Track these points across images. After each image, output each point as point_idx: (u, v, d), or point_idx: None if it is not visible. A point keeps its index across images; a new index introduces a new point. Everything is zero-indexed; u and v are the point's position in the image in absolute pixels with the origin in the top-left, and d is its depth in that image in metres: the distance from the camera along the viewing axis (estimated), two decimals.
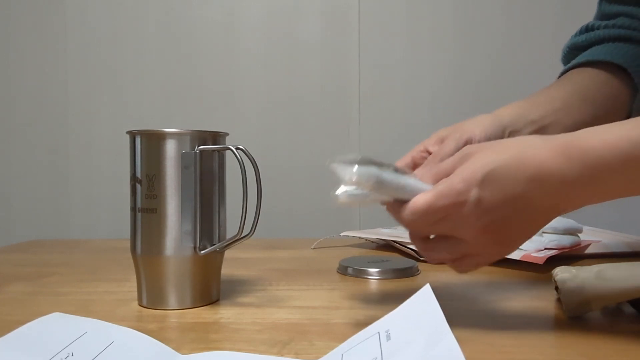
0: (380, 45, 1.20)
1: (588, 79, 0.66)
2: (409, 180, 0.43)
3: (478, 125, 0.55)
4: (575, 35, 0.75)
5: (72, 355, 0.35)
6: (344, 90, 1.20)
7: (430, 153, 0.55)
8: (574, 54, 0.73)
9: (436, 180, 0.43)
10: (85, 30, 1.20)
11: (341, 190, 0.42)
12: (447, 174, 0.42)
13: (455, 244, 0.43)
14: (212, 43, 1.20)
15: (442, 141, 0.55)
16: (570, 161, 0.40)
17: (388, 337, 0.33)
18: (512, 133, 0.56)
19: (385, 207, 0.45)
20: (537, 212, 0.42)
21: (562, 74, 0.71)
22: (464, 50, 1.19)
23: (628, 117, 0.68)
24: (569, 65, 0.70)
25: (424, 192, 0.42)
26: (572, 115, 0.60)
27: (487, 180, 0.40)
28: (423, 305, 0.34)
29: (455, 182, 0.41)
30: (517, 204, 0.41)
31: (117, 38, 1.20)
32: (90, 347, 0.37)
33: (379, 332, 0.34)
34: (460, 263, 0.45)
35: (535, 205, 0.41)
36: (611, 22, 0.71)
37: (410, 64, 1.20)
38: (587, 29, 0.73)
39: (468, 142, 0.53)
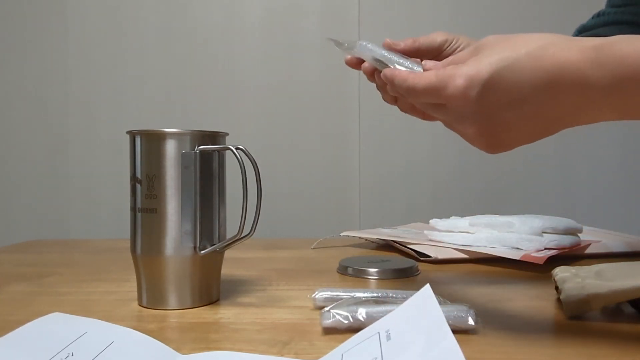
0: (380, 45, 1.20)
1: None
2: (399, 59, 0.47)
3: (467, 38, 0.55)
4: (587, 20, 0.79)
5: (72, 355, 0.35)
6: (344, 90, 1.20)
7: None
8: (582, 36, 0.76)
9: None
10: (86, 31, 1.20)
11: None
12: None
13: (442, 110, 0.42)
14: (212, 43, 1.20)
15: (426, 35, 0.55)
16: (600, 68, 0.35)
17: (388, 337, 0.33)
18: None
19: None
20: (543, 121, 0.39)
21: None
22: None
23: None
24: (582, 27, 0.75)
25: (429, 72, 0.41)
26: None
27: (493, 79, 0.37)
28: (423, 306, 0.34)
29: (458, 74, 0.39)
30: (523, 111, 0.38)
31: (117, 38, 1.20)
32: (90, 347, 0.37)
33: (379, 332, 0.34)
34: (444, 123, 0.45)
35: (543, 113, 0.38)
36: (620, 9, 0.74)
37: None
38: (597, 15, 0.76)
39: (447, 41, 0.53)
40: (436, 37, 0.53)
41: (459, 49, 0.53)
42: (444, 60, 0.45)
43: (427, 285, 0.35)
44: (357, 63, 0.54)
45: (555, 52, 0.37)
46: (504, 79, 0.37)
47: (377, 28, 1.20)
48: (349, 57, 0.54)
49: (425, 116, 0.52)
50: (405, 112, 0.53)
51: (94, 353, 0.36)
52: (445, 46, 0.53)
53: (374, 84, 0.56)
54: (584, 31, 0.78)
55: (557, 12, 1.19)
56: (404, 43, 0.53)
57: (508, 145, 0.41)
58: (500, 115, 0.38)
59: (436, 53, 0.53)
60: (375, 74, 0.52)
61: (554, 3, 1.19)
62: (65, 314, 0.42)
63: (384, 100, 0.54)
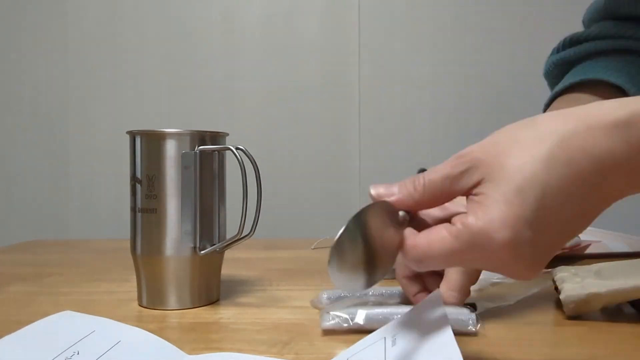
0: (380, 45, 1.20)
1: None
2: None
3: None
4: (559, 49, 0.68)
5: (78, 353, 0.35)
6: (344, 90, 1.20)
7: None
8: (563, 69, 0.68)
9: (433, 197, 0.34)
10: (86, 31, 1.20)
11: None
12: (444, 192, 0.33)
13: (489, 267, 0.33)
14: (212, 43, 1.20)
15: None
16: (630, 147, 0.30)
17: (394, 343, 0.33)
18: None
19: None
20: (590, 218, 0.34)
21: (554, 97, 0.65)
22: (464, 50, 1.19)
23: None
24: (561, 87, 0.64)
25: (443, 232, 0.31)
26: None
27: (538, 216, 0.30)
28: (431, 312, 0.34)
29: (492, 228, 0.30)
30: (574, 227, 0.33)
31: (117, 38, 1.20)
32: (97, 346, 0.37)
33: (385, 337, 0.34)
34: None
35: (591, 213, 0.33)
36: (605, 41, 0.64)
37: (410, 64, 1.20)
38: (574, 42, 0.66)
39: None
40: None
41: None
42: (433, 179, 0.34)
43: (437, 291, 0.35)
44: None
45: (583, 145, 0.30)
46: (549, 202, 0.30)
47: (377, 29, 1.20)
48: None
49: None
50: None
51: (100, 352, 0.36)
52: None
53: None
54: (565, 65, 0.67)
55: (558, 11, 1.19)
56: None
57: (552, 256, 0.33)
58: (552, 244, 0.32)
59: None
60: None
61: (554, 2, 1.19)
62: (75, 312, 0.42)
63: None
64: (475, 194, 0.32)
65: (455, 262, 0.32)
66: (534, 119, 0.33)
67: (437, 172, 0.33)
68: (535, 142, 0.31)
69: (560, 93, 0.65)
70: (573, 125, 0.31)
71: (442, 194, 0.33)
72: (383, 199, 0.35)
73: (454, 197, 0.33)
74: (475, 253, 0.31)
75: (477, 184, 0.32)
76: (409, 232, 0.33)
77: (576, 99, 0.60)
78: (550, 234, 0.31)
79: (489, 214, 0.30)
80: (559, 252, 0.34)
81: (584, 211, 0.32)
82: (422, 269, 0.33)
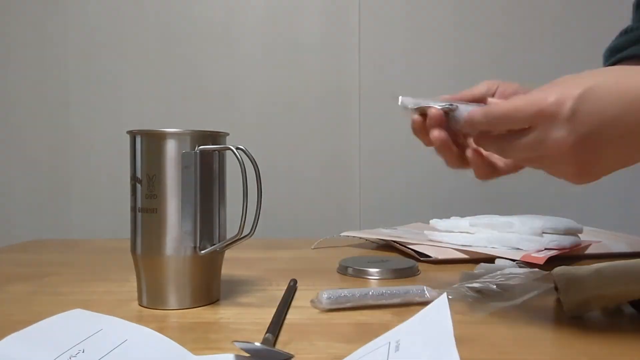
0: (380, 45, 1.20)
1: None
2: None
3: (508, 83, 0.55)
4: (615, 39, 0.74)
5: (83, 352, 0.36)
6: (344, 90, 1.20)
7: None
8: (615, 56, 0.73)
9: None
10: (86, 31, 1.20)
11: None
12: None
13: (537, 143, 0.39)
14: (212, 43, 1.20)
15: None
16: None
17: (397, 348, 0.33)
18: None
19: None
20: (635, 141, 0.38)
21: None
22: (464, 50, 1.19)
23: None
24: (612, 60, 0.70)
25: (512, 98, 0.41)
26: None
27: (585, 96, 0.37)
28: (435, 317, 0.34)
29: (548, 92, 0.38)
30: (616, 129, 0.37)
31: (117, 38, 1.20)
32: (102, 345, 0.37)
33: (389, 342, 0.34)
34: (533, 163, 0.43)
35: (635, 131, 0.37)
36: None
37: (410, 64, 1.20)
38: (625, 32, 0.72)
39: (489, 89, 0.53)
40: (479, 88, 0.54)
41: (503, 91, 0.53)
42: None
43: (444, 295, 0.35)
44: (423, 122, 0.53)
45: (634, 76, 0.38)
46: (596, 95, 0.37)
47: (378, 28, 1.20)
48: (415, 117, 0.54)
49: (499, 166, 0.51)
50: (478, 166, 0.50)
51: (105, 351, 0.36)
52: (489, 94, 0.53)
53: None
54: (615, 52, 0.73)
55: (558, 11, 1.19)
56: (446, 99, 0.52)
57: (599, 171, 0.40)
58: (594, 133, 0.37)
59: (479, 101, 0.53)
60: (434, 129, 0.50)
61: (554, 2, 1.19)
62: (85, 311, 0.43)
63: (451, 165, 0.52)
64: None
65: (512, 126, 0.40)
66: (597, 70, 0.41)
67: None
68: (598, 71, 0.40)
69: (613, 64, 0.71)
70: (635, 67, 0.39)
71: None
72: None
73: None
74: (531, 107, 0.38)
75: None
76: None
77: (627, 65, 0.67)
78: (589, 125, 0.37)
79: (549, 88, 0.39)
80: (607, 172, 0.40)
81: (634, 130, 0.37)
82: (485, 125, 0.42)
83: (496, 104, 0.41)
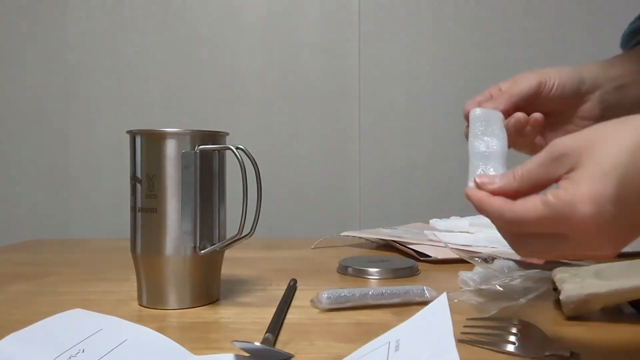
0: (380, 45, 1.20)
1: None
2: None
3: (555, 71, 0.54)
4: (633, 22, 0.72)
5: (83, 351, 0.36)
6: (344, 90, 1.20)
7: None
8: (636, 37, 0.71)
9: (530, 185, 0.37)
10: (86, 30, 1.20)
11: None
12: (540, 183, 0.37)
13: (558, 242, 0.36)
14: (212, 43, 1.20)
15: (515, 82, 0.54)
16: None
17: (397, 348, 0.33)
18: (591, 88, 0.55)
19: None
20: None
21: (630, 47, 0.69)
22: (464, 50, 1.19)
23: None
24: (634, 43, 0.68)
25: (532, 201, 0.35)
26: None
27: (620, 193, 0.33)
28: (435, 317, 0.34)
29: (579, 199, 0.33)
30: None
31: (117, 38, 1.20)
32: (102, 344, 0.37)
33: (389, 342, 0.34)
34: (554, 256, 0.39)
35: None
36: None
37: (410, 63, 1.20)
38: None
39: (541, 84, 0.52)
40: (530, 82, 0.52)
41: (554, 88, 0.53)
42: (521, 177, 0.38)
43: (444, 295, 0.35)
44: None
45: None
46: (631, 185, 0.33)
47: (377, 28, 1.20)
48: None
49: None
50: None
51: (105, 350, 0.36)
52: (541, 89, 0.53)
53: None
54: (636, 35, 0.70)
55: (558, 10, 1.19)
56: (502, 104, 0.51)
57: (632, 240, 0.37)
58: (633, 223, 0.34)
59: (533, 99, 0.53)
60: None
61: (554, 2, 1.19)
62: (85, 310, 0.43)
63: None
64: (567, 178, 0.35)
65: (544, 230, 0.35)
66: (627, 117, 0.36)
67: (533, 161, 0.37)
68: (624, 134, 0.34)
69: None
70: None
71: (538, 181, 0.37)
72: (486, 187, 0.39)
73: (549, 184, 0.37)
74: (562, 221, 0.34)
75: (570, 170, 0.35)
76: (506, 201, 0.37)
77: None
78: (631, 213, 0.34)
79: (577, 188, 0.33)
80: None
81: None
82: (515, 232, 0.37)
83: (520, 208, 0.36)
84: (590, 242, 0.35)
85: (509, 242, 0.39)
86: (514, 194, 0.38)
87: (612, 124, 0.36)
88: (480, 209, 0.38)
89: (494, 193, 0.38)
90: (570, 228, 0.34)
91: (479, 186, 0.40)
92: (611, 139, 0.35)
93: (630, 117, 0.36)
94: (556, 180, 0.36)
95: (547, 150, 0.37)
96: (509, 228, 0.38)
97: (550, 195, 0.34)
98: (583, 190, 0.33)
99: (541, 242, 0.37)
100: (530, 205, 0.35)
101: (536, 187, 0.37)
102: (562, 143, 0.36)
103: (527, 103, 0.53)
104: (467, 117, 0.51)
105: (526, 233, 0.37)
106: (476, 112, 0.49)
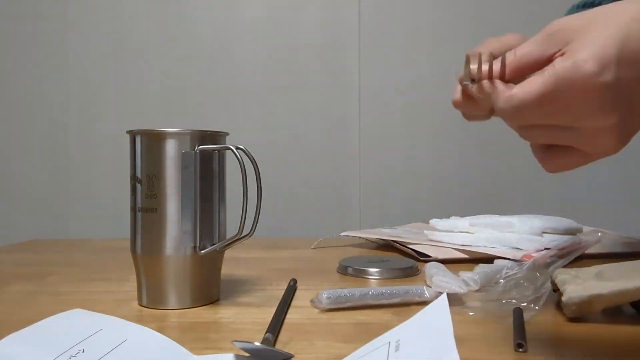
0: (380, 45, 1.20)
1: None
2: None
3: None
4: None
5: (83, 351, 0.36)
6: (344, 90, 1.20)
7: None
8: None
9: (528, 64, 0.36)
10: (86, 30, 1.20)
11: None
12: (537, 59, 0.35)
13: (564, 132, 0.35)
14: (212, 43, 1.20)
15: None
16: None
17: (397, 348, 0.33)
18: None
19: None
20: None
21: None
22: (464, 50, 1.19)
23: None
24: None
25: (535, 77, 0.33)
26: None
27: (623, 53, 0.32)
28: (435, 317, 0.34)
29: (580, 59, 0.32)
30: None
31: (117, 38, 1.20)
32: (102, 344, 0.37)
33: (389, 342, 0.34)
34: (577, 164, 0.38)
35: None
36: None
37: (410, 63, 1.20)
38: None
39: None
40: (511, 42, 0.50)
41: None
42: (519, 57, 0.37)
43: (444, 295, 0.35)
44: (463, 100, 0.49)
45: None
46: (632, 48, 0.32)
47: (377, 28, 1.20)
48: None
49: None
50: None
51: (105, 351, 0.36)
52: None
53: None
54: (586, 7, 0.70)
55: (559, 12, 1.19)
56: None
57: (635, 131, 0.35)
58: (634, 107, 0.33)
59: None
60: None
61: (556, 3, 1.19)
62: (85, 310, 0.43)
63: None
64: (564, 51, 0.34)
65: (549, 102, 0.33)
66: (609, 4, 0.35)
67: (530, 41, 0.36)
68: (616, 14, 0.34)
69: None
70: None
71: (535, 60, 0.36)
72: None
73: (546, 63, 0.35)
74: (565, 88, 0.32)
75: (567, 43, 0.34)
76: (504, 86, 0.36)
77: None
78: (632, 79, 0.33)
79: (578, 53, 0.32)
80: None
81: None
82: (518, 119, 0.35)
83: (523, 88, 0.34)
84: (594, 115, 0.33)
85: (518, 133, 0.37)
86: (513, 75, 0.37)
87: (597, 9, 0.35)
88: (496, 103, 0.36)
89: (494, 76, 0.37)
90: (574, 93, 0.32)
91: (475, 74, 0.38)
92: (604, 19, 0.34)
93: (610, 4, 0.35)
94: (552, 56, 0.35)
95: (543, 30, 0.36)
96: (514, 118, 0.35)
97: (549, 67, 0.33)
98: (584, 52, 0.32)
99: (546, 133, 0.35)
100: (530, 83, 0.33)
101: (533, 66, 0.36)
102: (558, 22, 0.35)
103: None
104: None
105: (531, 125, 0.35)
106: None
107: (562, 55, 0.34)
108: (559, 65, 0.33)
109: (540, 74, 0.33)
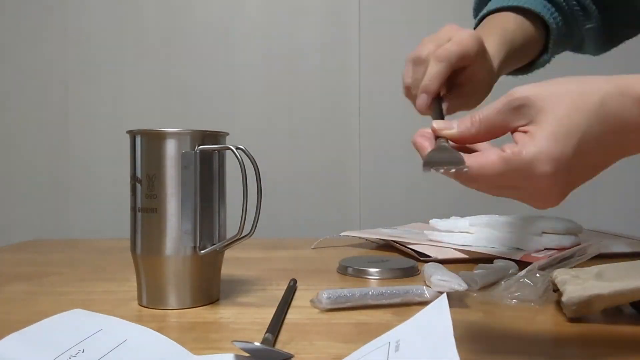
0: (380, 45, 1.20)
1: (511, 23, 0.65)
2: None
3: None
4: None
5: (83, 351, 0.36)
6: (344, 90, 1.20)
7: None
8: (486, 5, 0.74)
9: (487, 131, 0.38)
10: (86, 30, 1.20)
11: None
12: (498, 127, 0.38)
13: (510, 191, 0.38)
14: (212, 43, 1.20)
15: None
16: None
17: (397, 348, 0.33)
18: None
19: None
20: (608, 165, 0.38)
21: (480, 20, 0.71)
22: None
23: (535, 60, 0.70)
24: (485, 11, 0.70)
25: (492, 156, 0.36)
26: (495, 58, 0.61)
27: (577, 158, 0.35)
28: (435, 317, 0.34)
29: (540, 159, 0.35)
30: (597, 168, 0.37)
31: (117, 38, 1.20)
32: (102, 345, 0.37)
33: (389, 342, 0.34)
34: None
35: (610, 162, 0.38)
36: None
37: None
38: None
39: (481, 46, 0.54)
40: (472, 47, 0.54)
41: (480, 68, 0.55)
42: (487, 114, 0.38)
43: (444, 296, 0.35)
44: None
45: (617, 109, 0.36)
46: (584, 152, 0.35)
47: (377, 28, 1.20)
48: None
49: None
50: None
51: (105, 351, 0.36)
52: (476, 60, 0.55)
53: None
54: (481, 8, 0.74)
55: None
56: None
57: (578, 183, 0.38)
58: (578, 181, 0.37)
59: (468, 62, 0.55)
60: None
61: None
62: (85, 311, 0.43)
63: None
64: (525, 131, 0.36)
65: (500, 184, 0.37)
66: (587, 78, 0.38)
67: (492, 108, 0.38)
68: (582, 97, 0.36)
69: (487, 15, 0.70)
70: (612, 88, 0.36)
71: (495, 128, 0.38)
72: (443, 132, 0.40)
73: (506, 132, 0.38)
74: (519, 179, 0.36)
75: (529, 122, 0.36)
76: (462, 155, 0.37)
77: (503, 17, 0.67)
78: (580, 173, 0.36)
79: (539, 147, 0.35)
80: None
81: (606, 160, 0.37)
82: (472, 187, 0.38)
83: (480, 166, 0.36)
84: (540, 197, 0.37)
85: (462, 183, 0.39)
86: (472, 139, 0.39)
87: (573, 83, 0.37)
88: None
89: (452, 138, 0.39)
90: (526, 185, 0.36)
91: (435, 132, 0.40)
92: (570, 99, 0.36)
93: (590, 78, 0.37)
94: (513, 129, 0.37)
95: (507, 99, 0.37)
96: (466, 183, 0.38)
97: (510, 151, 0.35)
98: (544, 149, 0.35)
99: (493, 189, 0.38)
100: (488, 161, 0.36)
101: (492, 133, 0.38)
102: (522, 93, 0.37)
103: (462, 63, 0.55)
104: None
105: (482, 183, 0.38)
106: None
107: (523, 133, 0.36)
108: (517, 159, 0.35)
109: (499, 158, 0.35)
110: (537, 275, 0.54)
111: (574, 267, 0.54)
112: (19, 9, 1.20)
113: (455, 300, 0.53)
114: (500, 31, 0.63)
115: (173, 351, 0.38)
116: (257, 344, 0.37)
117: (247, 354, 0.37)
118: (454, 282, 0.51)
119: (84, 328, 0.39)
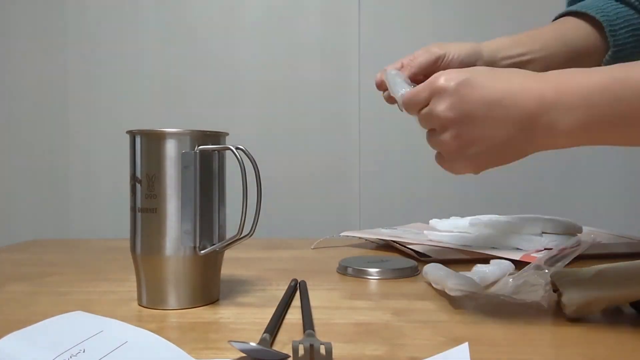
0: (380, 45, 1.20)
1: (571, 28, 0.68)
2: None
3: (457, 47, 0.63)
4: None
5: (84, 352, 0.36)
6: (344, 90, 1.20)
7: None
8: (572, 3, 0.75)
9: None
10: (85, 30, 1.20)
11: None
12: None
13: (429, 114, 0.48)
14: (212, 42, 1.20)
15: (416, 55, 0.64)
16: (546, 82, 0.44)
17: None
18: (486, 63, 0.63)
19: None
20: (510, 128, 0.44)
21: (555, 19, 0.73)
22: None
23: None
24: (560, 13, 0.72)
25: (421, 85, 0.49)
26: (548, 58, 0.64)
27: (468, 79, 0.45)
28: None
29: (442, 74, 0.47)
30: (493, 112, 0.44)
31: (117, 38, 1.20)
32: (103, 345, 0.37)
33: None
34: (443, 160, 0.53)
35: (510, 118, 0.44)
36: None
37: None
38: None
39: (439, 58, 0.62)
40: (429, 57, 0.63)
41: (451, 61, 0.62)
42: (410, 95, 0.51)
43: (466, 344, 0.34)
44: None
45: (508, 75, 0.46)
46: (478, 80, 0.45)
47: (377, 28, 1.20)
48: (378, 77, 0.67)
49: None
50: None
51: (105, 352, 0.36)
52: (439, 62, 0.62)
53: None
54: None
55: (559, 10, 1.18)
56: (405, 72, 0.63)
57: (478, 157, 0.48)
58: (474, 111, 0.45)
59: (431, 70, 0.59)
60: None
61: (555, 4, 1.19)
62: (85, 313, 0.43)
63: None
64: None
65: (422, 108, 0.49)
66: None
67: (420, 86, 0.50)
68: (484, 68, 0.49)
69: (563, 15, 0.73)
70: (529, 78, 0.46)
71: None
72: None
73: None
74: (433, 100, 0.47)
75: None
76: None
77: (569, 19, 0.70)
78: (477, 110, 0.45)
79: (446, 71, 0.47)
80: (489, 161, 0.49)
81: (508, 115, 0.44)
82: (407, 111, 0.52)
83: (412, 91, 0.51)
84: (442, 110, 0.46)
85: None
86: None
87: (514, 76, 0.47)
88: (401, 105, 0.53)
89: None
90: (430, 92, 0.47)
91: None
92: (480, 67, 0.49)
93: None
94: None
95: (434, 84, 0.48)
96: (410, 109, 0.51)
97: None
98: (448, 71, 0.47)
99: (421, 117, 0.49)
100: (418, 88, 0.49)
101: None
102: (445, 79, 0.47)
103: (427, 73, 0.60)
104: (379, 83, 0.68)
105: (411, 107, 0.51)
106: (392, 72, 0.60)
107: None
108: (431, 79, 0.48)
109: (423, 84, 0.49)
110: (537, 275, 0.54)
111: (573, 266, 0.54)
112: (19, 9, 1.20)
113: (455, 300, 0.53)
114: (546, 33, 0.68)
115: (173, 354, 0.38)
116: (253, 344, 0.37)
117: (245, 355, 0.37)
118: (469, 284, 0.51)
119: (85, 329, 0.39)
